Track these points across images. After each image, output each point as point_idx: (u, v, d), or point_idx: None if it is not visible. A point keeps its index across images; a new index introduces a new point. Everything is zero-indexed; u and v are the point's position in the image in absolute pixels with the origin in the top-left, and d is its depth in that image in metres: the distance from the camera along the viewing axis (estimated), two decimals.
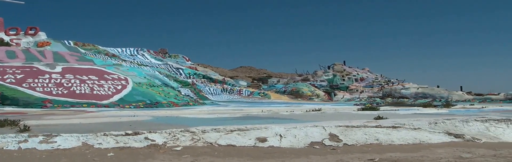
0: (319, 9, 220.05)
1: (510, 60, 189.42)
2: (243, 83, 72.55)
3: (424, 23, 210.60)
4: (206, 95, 52.78)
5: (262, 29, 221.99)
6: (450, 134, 11.95)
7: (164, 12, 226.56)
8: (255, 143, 10.22)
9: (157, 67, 57.47)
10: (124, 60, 56.59)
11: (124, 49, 66.93)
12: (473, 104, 41.00)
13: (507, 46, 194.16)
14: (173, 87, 44.99)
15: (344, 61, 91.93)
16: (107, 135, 10.06)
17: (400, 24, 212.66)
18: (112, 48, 64.85)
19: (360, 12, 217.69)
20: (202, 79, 61.33)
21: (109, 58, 55.42)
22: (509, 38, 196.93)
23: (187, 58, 73.78)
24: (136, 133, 10.20)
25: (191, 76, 60.97)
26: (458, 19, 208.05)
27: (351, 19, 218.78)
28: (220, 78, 66.12)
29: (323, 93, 68.49)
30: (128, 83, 37.57)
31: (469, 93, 72.69)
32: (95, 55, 54.76)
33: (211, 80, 62.57)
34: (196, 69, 65.92)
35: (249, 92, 60.51)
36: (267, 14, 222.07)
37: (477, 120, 13.13)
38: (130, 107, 30.87)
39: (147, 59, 65.01)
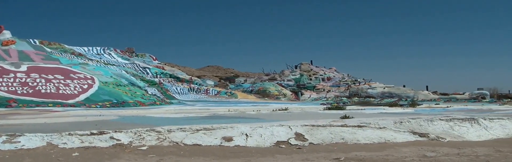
0: (286, 9, 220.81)
1: (475, 60, 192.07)
2: (210, 82, 72.48)
3: (389, 22, 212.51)
4: (173, 95, 52.60)
5: (229, 28, 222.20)
6: (415, 133, 12.08)
7: (131, 11, 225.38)
8: (221, 143, 10.22)
9: (123, 66, 57.06)
10: (91, 59, 56.07)
11: (90, 48, 66.26)
12: (439, 104, 41.51)
13: (472, 46, 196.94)
14: (140, 87, 44.75)
15: (311, 61, 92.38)
16: (72, 134, 9.96)
17: (366, 23, 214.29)
18: (78, 47, 64.15)
19: (327, 11, 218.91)
20: (169, 79, 61.05)
21: (75, 57, 54.87)
22: (474, 38, 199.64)
23: (154, 57, 73.38)
24: (101, 133, 10.13)
25: (158, 76, 60.64)
26: (423, 18, 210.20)
27: (318, 18, 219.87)
28: (187, 77, 65.96)
29: (290, 93, 68.76)
30: (95, 83, 37.25)
31: (434, 92, 73.48)
32: (61, 54, 54.11)
33: (178, 79, 62.33)
34: (163, 69, 65.62)
35: (216, 91, 60.43)
36: (234, 13, 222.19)
37: (442, 120, 13.30)
38: (97, 107, 30.61)
39: (114, 58, 64.45)
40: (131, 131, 10.37)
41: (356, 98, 62.14)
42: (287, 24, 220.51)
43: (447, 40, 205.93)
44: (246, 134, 10.65)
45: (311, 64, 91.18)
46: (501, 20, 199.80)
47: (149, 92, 44.42)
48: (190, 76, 69.25)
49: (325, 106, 30.26)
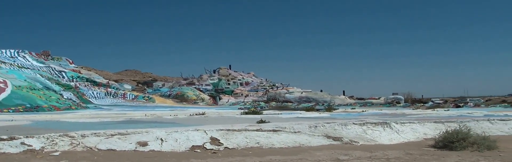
0: (205, 11, 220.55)
1: (390, 66, 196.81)
2: (128, 86, 71.78)
3: (306, 28, 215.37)
4: (90, 99, 51.85)
5: (148, 31, 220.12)
6: (329, 137, 12.26)
7: (47, 13, 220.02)
8: (136, 147, 10.12)
9: (39, 70, 55.83)
10: (4, 62, 54.58)
11: (3, 50, 64.52)
12: (354, 108, 42.33)
13: (388, 52, 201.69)
14: (55, 91, 43.87)
15: (230, 65, 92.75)
16: None
17: (284, 29, 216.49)
18: None
19: (245, 15, 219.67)
20: (86, 83, 60.13)
21: None
22: (390, 44, 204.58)
23: (71, 61, 72.09)
24: (11, 138, 9.85)
25: (74, 79, 59.64)
26: (340, 24, 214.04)
27: (237, 23, 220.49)
28: (104, 81, 65.12)
29: (208, 97, 68.81)
30: (7, 86, 36.28)
31: (351, 97, 74.97)
32: None
33: (95, 83, 61.46)
34: (79, 72, 64.58)
35: (133, 95, 59.92)
36: (152, 15, 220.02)
37: (355, 124, 13.55)
38: (9, 111, 29.84)
39: (29, 61, 62.98)
40: (43, 136, 10.13)
41: (274, 102, 62.76)
42: (206, 29, 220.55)
43: (364, 46, 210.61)
44: (161, 139, 10.59)
45: (230, 68, 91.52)
46: (416, 30, 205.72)
47: (65, 96, 43.65)
48: (107, 80, 68.39)
49: (242, 110, 30.37)
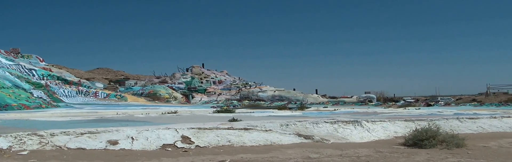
0: (179, 10, 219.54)
1: (363, 65, 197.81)
2: (100, 85, 71.27)
3: (279, 27, 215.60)
4: (60, 97, 51.37)
5: (120, 28, 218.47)
6: (300, 135, 12.30)
7: (16, 9, 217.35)
8: (106, 146, 10.05)
9: (8, 68, 55.13)
10: None
11: None
12: (327, 107, 42.51)
13: (360, 51, 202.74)
14: (24, 89, 43.40)
15: (203, 64, 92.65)
16: None
17: (258, 27, 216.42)
18: None
19: (219, 13, 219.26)
20: (57, 81, 59.51)
21: None
22: (363, 41, 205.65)
23: (41, 59, 71.35)
24: None
25: (45, 78, 58.99)
26: (312, 23, 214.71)
27: (210, 21, 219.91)
28: (76, 79, 64.55)
29: (181, 96, 68.64)
30: None
31: (324, 96, 75.29)
32: None
33: (66, 81, 60.88)
34: (50, 70, 63.93)
35: (105, 94, 59.50)
36: (124, 12, 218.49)
37: (327, 122, 13.61)
38: None
39: None
40: (11, 135, 10.01)
41: (247, 101, 62.78)
42: (179, 27, 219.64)
43: (336, 45, 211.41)
44: (132, 138, 10.53)
45: (203, 67, 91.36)
46: (388, 29, 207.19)
47: (35, 95, 43.20)
48: (79, 79, 67.82)
49: (215, 109, 30.38)
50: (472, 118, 16.39)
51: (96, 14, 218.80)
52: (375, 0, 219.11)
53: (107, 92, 61.93)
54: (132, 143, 10.34)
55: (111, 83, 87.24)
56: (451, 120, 15.84)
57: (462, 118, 16.29)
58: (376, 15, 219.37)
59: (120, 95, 60.31)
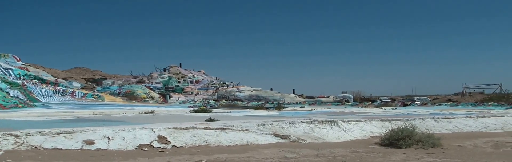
0: (155, 9, 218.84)
1: (340, 64, 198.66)
2: (77, 84, 70.80)
3: (257, 27, 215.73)
4: (37, 97, 51.00)
5: (97, 28, 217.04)
6: (277, 135, 12.34)
7: None
8: (82, 146, 10.01)
9: None
10: None
11: None
12: (304, 106, 42.61)
13: (337, 50, 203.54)
14: (1, 89, 43.10)
15: (180, 63, 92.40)
16: None
17: (235, 27, 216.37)
18: None
19: (195, 12, 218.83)
20: (34, 80, 59.03)
21: None
22: (340, 41, 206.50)
23: (18, 58, 70.64)
24: None
25: (22, 77, 58.49)
26: (288, 24, 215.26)
27: (186, 21, 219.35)
28: (53, 79, 64.08)
29: (158, 95, 68.45)
30: None
31: (301, 95, 75.47)
32: None
33: (43, 81, 60.40)
34: (27, 70, 63.40)
35: (82, 94, 59.18)
36: (100, 11, 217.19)
37: (303, 122, 13.66)
38: None
39: None
40: None
41: (224, 101, 62.82)
42: (156, 26, 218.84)
43: (313, 44, 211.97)
44: (108, 137, 10.50)
45: (180, 66, 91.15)
46: (365, 29, 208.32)
47: (11, 94, 42.88)
48: (56, 78, 67.32)
49: (192, 109, 30.36)
50: (448, 118, 16.55)
51: (74, 13, 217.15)
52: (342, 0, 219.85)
53: (84, 91, 61.59)
54: (109, 143, 10.31)
55: (89, 83, 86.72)
56: (427, 120, 15.98)
57: (438, 117, 16.44)
58: (352, 14, 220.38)
59: (97, 95, 60.03)
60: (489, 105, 39.95)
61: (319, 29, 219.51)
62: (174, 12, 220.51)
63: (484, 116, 17.57)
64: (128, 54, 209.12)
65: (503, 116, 18.11)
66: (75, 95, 57.84)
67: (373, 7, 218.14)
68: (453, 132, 15.11)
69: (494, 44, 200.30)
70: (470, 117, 17.10)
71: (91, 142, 10.22)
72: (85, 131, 10.76)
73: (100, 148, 10.03)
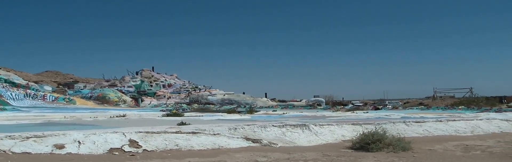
0: (127, 13, 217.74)
1: (312, 68, 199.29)
2: (48, 88, 70.13)
3: (230, 31, 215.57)
4: (7, 101, 50.45)
5: (70, 31, 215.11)
6: (248, 139, 12.37)
7: None
8: (53, 150, 9.93)
9: None
10: None
11: None
12: (276, 110, 42.61)
13: (310, 54, 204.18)
14: None
15: (153, 67, 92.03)
16: None
17: (208, 31, 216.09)
18: None
19: (166, 16, 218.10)
20: (4, 84, 58.36)
21: None
22: (313, 45, 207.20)
23: None
24: None
25: None
26: (260, 28, 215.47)
27: (159, 25, 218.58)
28: (24, 82, 63.42)
29: (130, 99, 68.15)
30: None
31: (273, 99, 75.62)
32: None
33: (14, 84, 59.75)
34: None
35: (54, 97, 58.67)
36: (70, 13, 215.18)
37: (275, 126, 13.71)
38: None
39: None
40: None
41: (196, 104, 62.72)
42: (129, 29, 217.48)
43: (286, 48, 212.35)
44: (79, 141, 10.44)
45: (153, 70, 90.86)
46: (338, 33, 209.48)
47: None
48: (27, 81, 66.61)
49: (164, 112, 30.31)
50: (418, 122, 16.72)
51: (45, 15, 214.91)
52: (317, 2, 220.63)
53: (56, 95, 61.08)
54: (79, 147, 10.24)
55: (60, 86, 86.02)
56: (398, 124, 16.13)
57: (409, 121, 16.61)
58: (323, 16, 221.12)
59: (68, 98, 59.58)
60: (460, 109, 40.31)
61: (292, 31, 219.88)
62: (146, 13, 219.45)
63: (454, 120, 17.79)
64: (100, 57, 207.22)
65: (473, 119, 18.36)
66: (47, 99, 57.36)
67: (344, 8, 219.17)
68: (424, 135, 15.27)
69: (467, 47, 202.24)
70: (441, 121, 17.30)
71: (61, 146, 10.15)
72: (55, 135, 10.68)
73: (71, 152, 9.96)
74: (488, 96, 56.09)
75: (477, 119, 18.46)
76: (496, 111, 31.66)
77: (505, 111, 31.79)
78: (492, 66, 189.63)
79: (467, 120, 18.20)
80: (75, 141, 10.47)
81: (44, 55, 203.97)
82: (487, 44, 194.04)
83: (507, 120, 18.84)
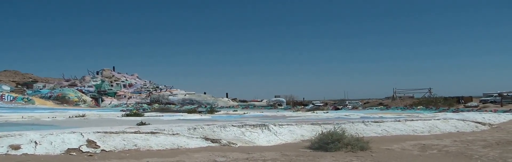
0: (87, 11, 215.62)
1: (274, 69, 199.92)
2: (6, 87, 69.09)
3: (190, 31, 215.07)
4: None
5: (29, 29, 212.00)
6: (207, 139, 12.38)
7: None
8: (8, 151, 9.80)
9: None
10: None
11: None
12: (236, 110, 42.71)
13: (270, 55, 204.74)
14: None
15: (114, 67, 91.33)
16: None
17: (167, 30, 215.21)
18: None
19: (126, 18, 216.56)
20: None
21: None
22: (273, 46, 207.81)
23: None
24: None
25: None
26: (223, 23, 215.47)
27: (119, 23, 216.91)
28: None
29: (91, 99, 67.48)
30: None
31: (234, 99, 75.64)
32: None
33: None
34: None
35: (12, 97, 57.84)
36: (28, 11, 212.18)
37: (234, 126, 13.74)
38: None
39: None
40: None
41: (157, 104, 62.45)
42: (89, 28, 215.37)
43: (246, 49, 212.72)
44: (35, 142, 10.32)
45: (113, 70, 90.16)
46: (299, 35, 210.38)
47: None
48: None
49: (124, 112, 30.14)
50: (377, 122, 16.91)
51: (1, 12, 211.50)
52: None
53: (14, 95, 60.25)
54: (35, 147, 10.12)
55: (19, 86, 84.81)
56: (357, 124, 16.29)
57: (368, 121, 16.79)
58: (281, 14, 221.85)
59: (27, 98, 58.82)
60: (418, 109, 40.88)
61: (252, 30, 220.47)
62: (105, 11, 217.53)
63: (412, 120, 18.05)
64: (60, 55, 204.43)
65: (431, 119, 18.64)
66: (4, 99, 56.56)
67: (300, 5, 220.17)
68: (382, 135, 15.44)
69: (427, 45, 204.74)
70: (399, 121, 17.53)
71: (17, 147, 10.02)
72: (11, 136, 10.55)
73: (27, 153, 9.85)
74: (446, 97, 56.84)
75: (434, 119, 18.76)
76: (453, 111, 32.23)
77: (462, 111, 32.40)
78: (451, 66, 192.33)
79: (425, 120, 18.48)
80: (31, 141, 10.35)
81: (2, 53, 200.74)
82: (446, 42, 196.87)
83: (463, 120, 19.19)
